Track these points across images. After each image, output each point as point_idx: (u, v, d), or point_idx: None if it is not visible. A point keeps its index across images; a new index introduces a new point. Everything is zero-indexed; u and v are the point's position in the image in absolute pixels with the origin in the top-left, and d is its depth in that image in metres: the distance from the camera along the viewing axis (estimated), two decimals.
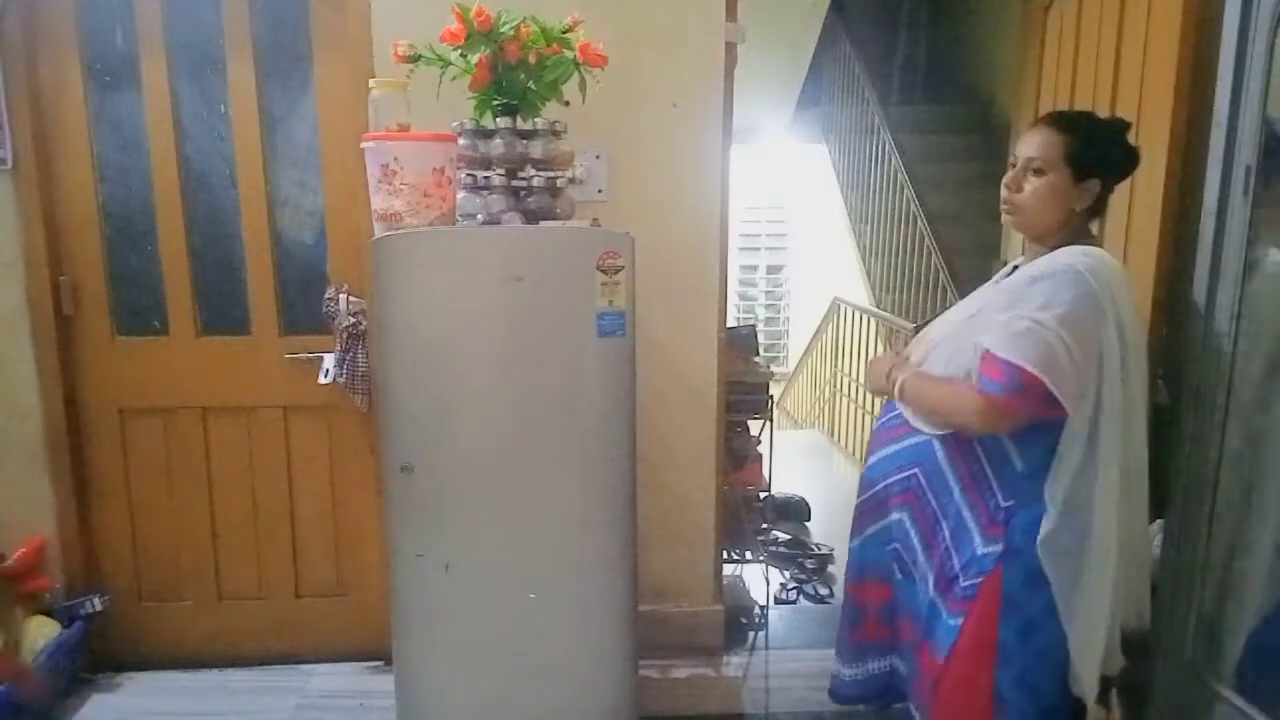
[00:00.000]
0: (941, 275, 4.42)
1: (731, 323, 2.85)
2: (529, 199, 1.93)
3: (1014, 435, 1.55)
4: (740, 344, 3.05)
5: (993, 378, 1.50)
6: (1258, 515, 1.60)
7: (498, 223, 1.91)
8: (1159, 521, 1.81)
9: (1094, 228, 1.72)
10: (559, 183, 1.95)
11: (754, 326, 3.33)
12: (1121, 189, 2.14)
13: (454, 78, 1.91)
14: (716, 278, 2.57)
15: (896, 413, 1.75)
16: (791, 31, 5.42)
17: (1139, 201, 2.07)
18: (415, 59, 1.91)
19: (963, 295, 4.38)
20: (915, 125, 5.90)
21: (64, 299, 2.48)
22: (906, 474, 1.71)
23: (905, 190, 4.92)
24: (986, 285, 1.80)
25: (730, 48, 2.45)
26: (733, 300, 6.24)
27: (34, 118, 2.38)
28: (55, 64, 2.40)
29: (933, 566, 1.68)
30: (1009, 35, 5.04)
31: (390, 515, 1.95)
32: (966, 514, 1.62)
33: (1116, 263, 1.57)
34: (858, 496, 1.85)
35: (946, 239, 4.52)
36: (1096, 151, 1.59)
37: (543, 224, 1.93)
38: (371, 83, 1.99)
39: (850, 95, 6.02)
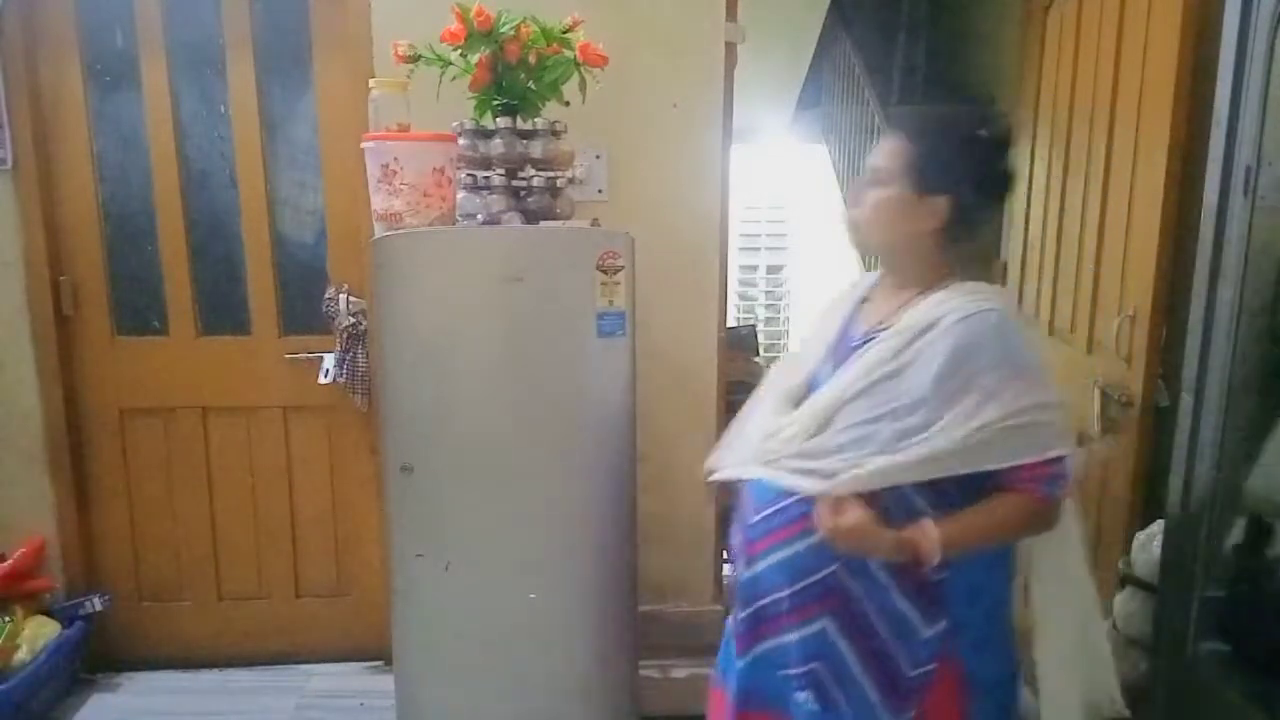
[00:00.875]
0: None
1: (731, 323, 2.85)
2: (529, 199, 1.93)
3: (935, 505, 1.34)
4: (740, 344, 3.06)
5: (1048, 476, 1.33)
6: (1257, 514, 1.61)
7: (498, 223, 1.90)
8: (1159, 522, 1.81)
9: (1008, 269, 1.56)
10: (559, 183, 1.95)
11: (754, 326, 3.34)
12: (1121, 188, 2.15)
13: (454, 78, 1.91)
14: (716, 278, 2.57)
15: (784, 503, 1.40)
16: (791, 31, 5.42)
17: (1139, 201, 2.07)
18: (415, 59, 1.91)
19: None
20: None
21: (64, 299, 2.48)
22: (820, 576, 1.39)
23: None
24: (850, 309, 1.53)
25: (730, 48, 2.45)
26: (733, 300, 6.24)
27: (34, 118, 2.38)
28: (55, 64, 2.40)
29: (874, 682, 1.40)
30: (1009, 35, 5.03)
31: (390, 515, 1.95)
32: (902, 603, 1.37)
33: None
34: (736, 611, 1.53)
35: None
36: (943, 164, 1.36)
37: (543, 224, 1.93)
38: (371, 83, 1.99)
39: (850, 95, 6.02)
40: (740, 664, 1.51)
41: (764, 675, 1.47)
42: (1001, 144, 1.41)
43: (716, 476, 1.57)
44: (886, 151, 1.40)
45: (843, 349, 1.46)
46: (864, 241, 1.48)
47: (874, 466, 1.32)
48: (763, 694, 1.48)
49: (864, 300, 1.52)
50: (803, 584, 1.40)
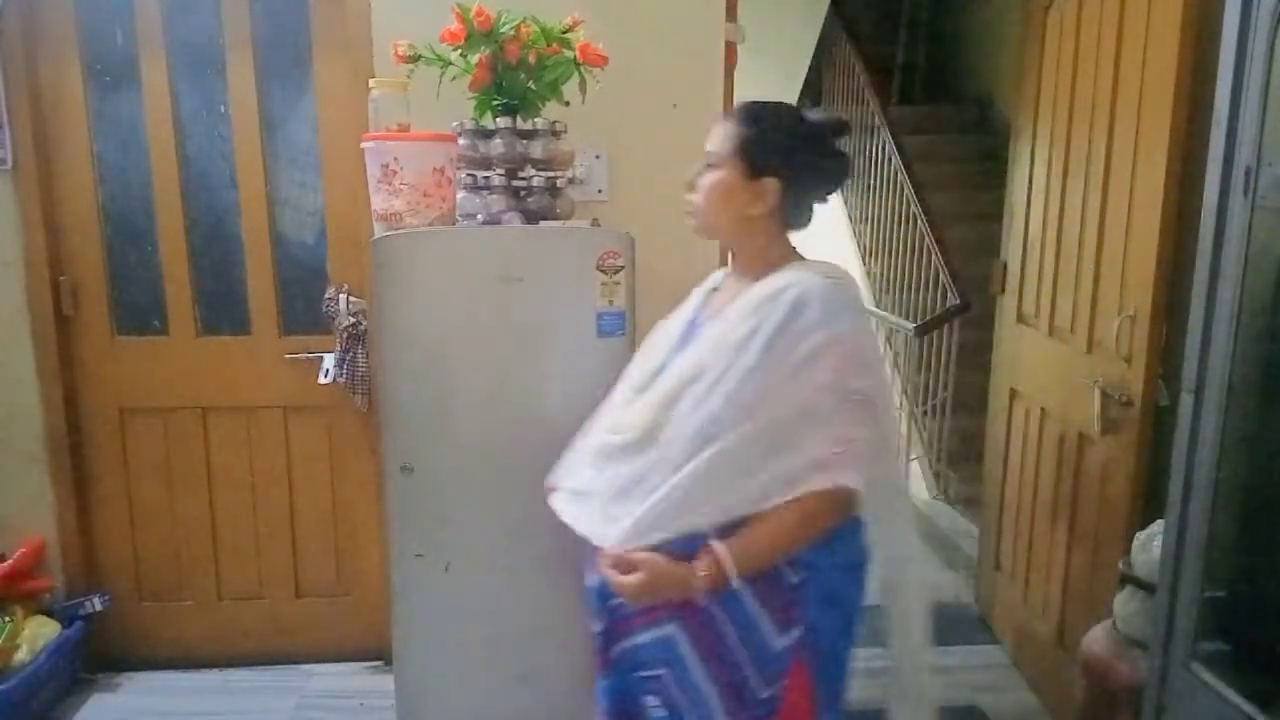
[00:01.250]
0: (941, 275, 4.42)
1: None
2: (529, 199, 1.93)
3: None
4: None
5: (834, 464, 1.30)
6: (1257, 514, 1.61)
7: (498, 223, 1.90)
8: (1159, 522, 1.81)
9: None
10: (559, 183, 1.95)
11: None
12: (1121, 188, 2.15)
13: (454, 78, 1.91)
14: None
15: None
16: (791, 31, 5.41)
17: (1139, 201, 2.07)
18: (415, 59, 1.91)
19: (962, 296, 4.39)
20: (915, 125, 5.90)
21: (64, 299, 2.48)
22: None
23: (905, 190, 4.92)
24: (700, 299, 1.58)
25: (730, 48, 2.45)
26: None
27: (34, 118, 2.38)
28: (55, 64, 2.40)
29: (720, 694, 1.34)
30: (1009, 35, 5.03)
31: (390, 515, 1.95)
32: (754, 607, 1.32)
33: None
34: (597, 623, 1.47)
35: (946, 239, 4.52)
36: (771, 146, 1.38)
37: (543, 224, 1.93)
38: (371, 83, 1.99)
39: (850, 95, 6.01)
40: (603, 682, 1.48)
41: (626, 682, 1.43)
42: (831, 128, 1.42)
43: (552, 503, 1.56)
44: (719, 136, 1.41)
45: (688, 336, 1.49)
46: (702, 226, 1.46)
47: (645, 519, 1.31)
48: (628, 707, 1.43)
49: (714, 290, 1.56)
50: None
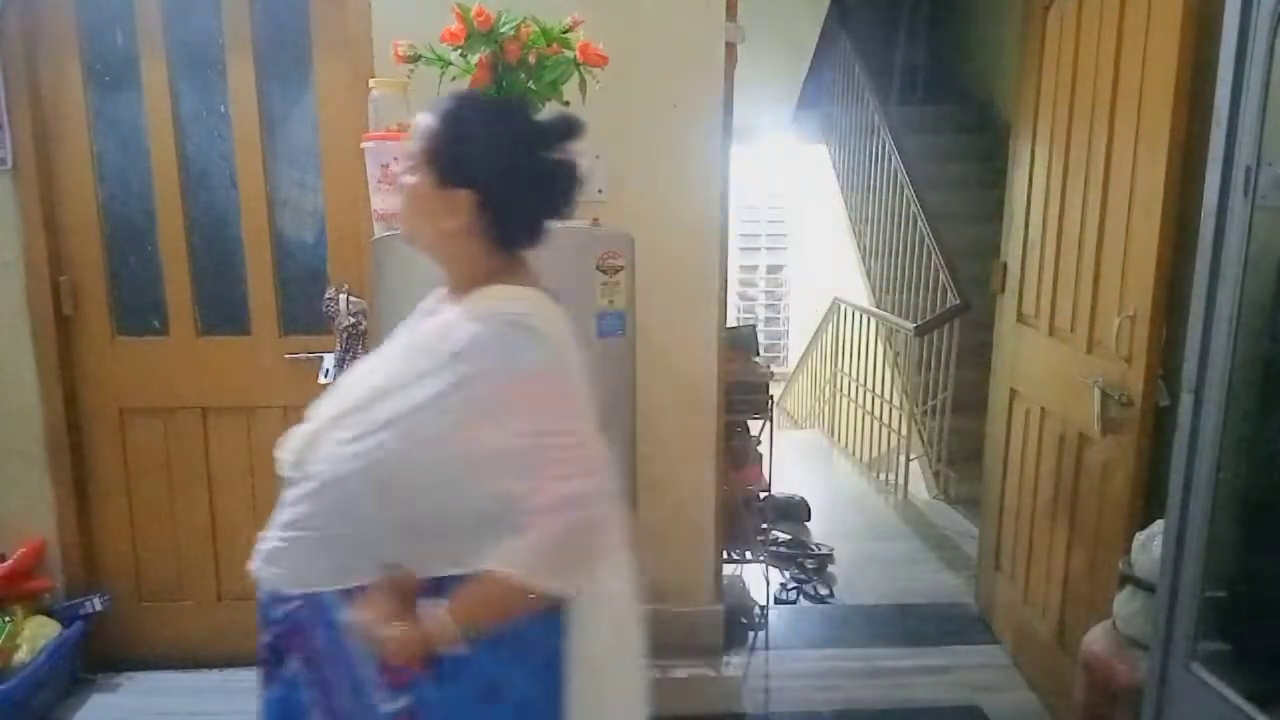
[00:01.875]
0: (941, 275, 4.42)
1: (731, 323, 2.85)
2: None
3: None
4: (740, 344, 3.05)
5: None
6: (1257, 514, 1.61)
7: None
8: (1159, 522, 1.81)
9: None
10: None
11: (754, 326, 3.33)
12: (1121, 188, 2.15)
13: (454, 78, 1.91)
14: (716, 278, 2.57)
15: None
16: (791, 31, 5.42)
17: (1139, 201, 2.07)
18: (415, 59, 1.91)
19: (962, 296, 4.40)
20: (915, 125, 5.90)
21: (64, 299, 2.48)
22: (289, 608, 1.21)
23: (905, 190, 4.92)
24: (415, 322, 1.32)
25: (730, 48, 2.45)
26: (733, 300, 6.24)
27: (34, 118, 2.38)
28: (55, 64, 2.40)
29: None
30: (1009, 35, 5.04)
31: None
32: (360, 660, 1.16)
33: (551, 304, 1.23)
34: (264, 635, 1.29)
35: (946, 239, 4.52)
36: (465, 152, 1.16)
37: None
38: (371, 83, 2.00)
39: (850, 95, 6.02)
40: (265, 695, 1.28)
41: (292, 699, 1.25)
42: (555, 132, 1.19)
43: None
44: (418, 133, 1.19)
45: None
46: (404, 235, 1.26)
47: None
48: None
49: (431, 313, 1.30)
50: (281, 610, 1.21)
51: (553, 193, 1.21)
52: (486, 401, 1.10)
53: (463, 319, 1.15)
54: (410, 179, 1.19)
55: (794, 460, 4.98)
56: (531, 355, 1.12)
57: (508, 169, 1.17)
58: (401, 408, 1.14)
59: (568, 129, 1.19)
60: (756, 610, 3.02)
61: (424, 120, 1.19)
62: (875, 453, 5.04)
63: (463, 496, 1.13)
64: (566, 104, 1.95)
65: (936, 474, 4.44)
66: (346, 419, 1.19)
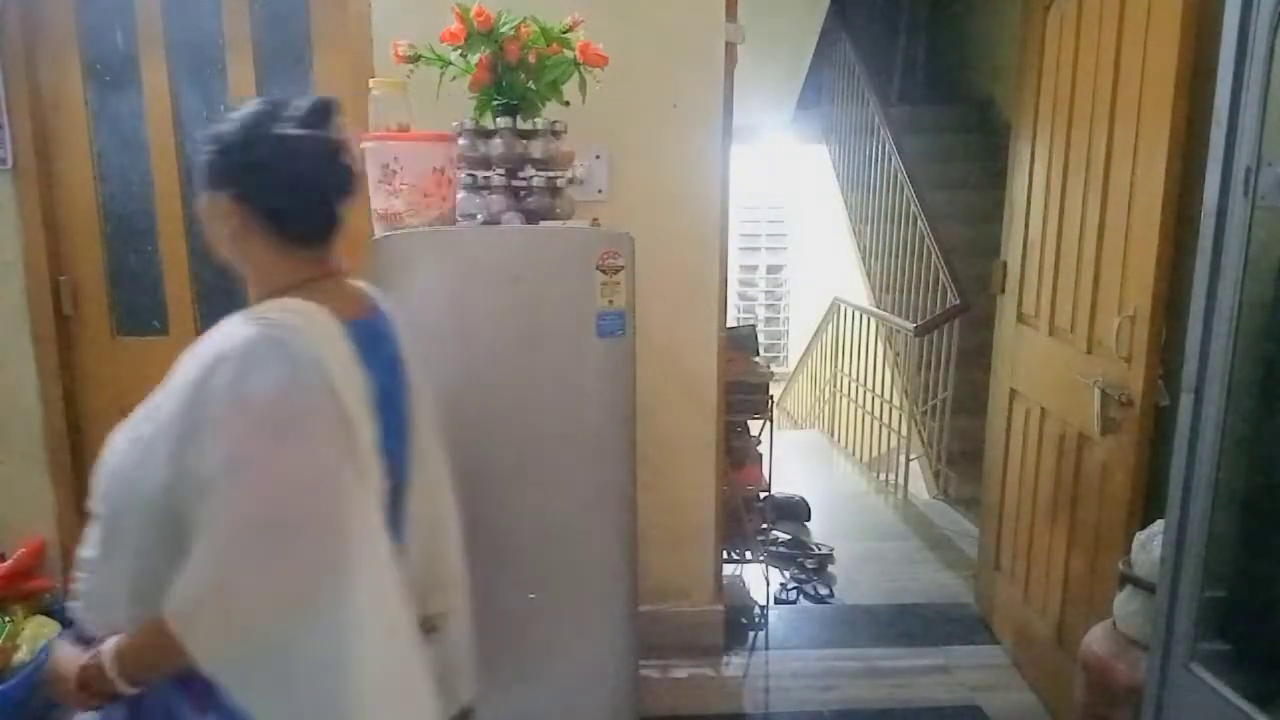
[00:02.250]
0: (941, 275, 4.42)
1: (731, 323, 2.85)
2: (529, 199, 1.93)
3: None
4: (740, 344, 3.05)
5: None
6: (1257, 514, 1.61)
7: (498, 223, 1.90)
8: (1159, 522, 1.81)
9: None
10: (559, 183, 1.95)
11: (754, 326, 3.33)
12: (1121, 188, 2.15)
13: (454, 78, 1.91)
14: (716, 278, 2.57)
15: None
16: (791, 31, 5.42)
17: (1139, 201, 2.07)
18: (415, 59, 1.91)
19: (962, 296, 4.40)
20: (915, 125, 5.91)
21: (64, 299, 2.48)
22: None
23: (905, 190, 4.92)
24: None
25: (730, 48, 2.45)
26: (733, 300, 6.24)
27: (34, 118, 2.38)
28: (55, 64, 2.40)
29: None
30: (1009, 35, 5.04)
31: None
32: (169, 687, 1.08)
33: (313, 311, 1.18)
34: None
35: (946, 239, 4.52)
36: (219, 154, 1.15)
37: (543, 224, 1.93)
38: (371, 83, 1.99)
39: (850, 95, 6.02)
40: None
41: None
42: (285, 115, 1.17)
43: None
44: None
45: None
46: (218, 252, 1.25)
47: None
48: None
49: None
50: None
51: (309, 171, 1.20)
52: (203, 423, 1.05)
53: (220, 333, 1.11)
54: (199, 202, 1.19)
55: (794, 460, 4.98)
56: (262, 376, 1.05)
57: (255, 158, 1.15)
58: (145, 431, 1.13)
59: (315, 106, 1.18)
60: (756, 610, 3.02)
61: (209, 129, 1.18)
62: (875, 453, 5.04)
63: (173, 524, 1.06)
64: (566, 104, 1.95)
65: (936, 474, 4.45)
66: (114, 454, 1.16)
